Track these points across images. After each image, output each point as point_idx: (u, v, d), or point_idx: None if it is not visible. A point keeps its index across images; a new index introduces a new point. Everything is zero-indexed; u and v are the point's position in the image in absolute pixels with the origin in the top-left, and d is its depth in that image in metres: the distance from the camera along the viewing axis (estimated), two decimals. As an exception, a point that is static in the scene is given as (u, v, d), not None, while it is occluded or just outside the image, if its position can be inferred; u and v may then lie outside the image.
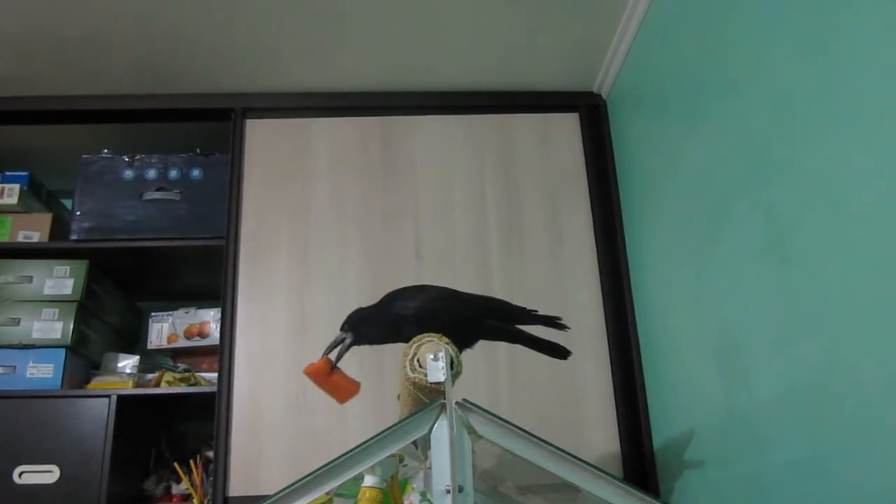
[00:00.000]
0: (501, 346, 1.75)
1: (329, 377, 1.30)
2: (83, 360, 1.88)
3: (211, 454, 1.78)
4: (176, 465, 1.83)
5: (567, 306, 1.81)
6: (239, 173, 1.90)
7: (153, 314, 2.11)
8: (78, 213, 1.89)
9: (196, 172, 1.96)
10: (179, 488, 1.89)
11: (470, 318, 1.42)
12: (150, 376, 1.89)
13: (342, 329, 1.34)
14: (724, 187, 1.31)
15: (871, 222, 0.91)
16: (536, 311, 1.50)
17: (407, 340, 1.41)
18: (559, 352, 1.55)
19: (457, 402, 1.04)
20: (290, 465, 1.65)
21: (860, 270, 0.93)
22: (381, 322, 1.37)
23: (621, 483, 1.00)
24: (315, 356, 1.74)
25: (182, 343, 2.05)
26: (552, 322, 1.52)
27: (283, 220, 1.87)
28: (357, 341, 1.34)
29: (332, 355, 1.31)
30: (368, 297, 1.46)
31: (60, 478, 1.64)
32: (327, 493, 1.04)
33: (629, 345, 1.80)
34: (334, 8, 1.68)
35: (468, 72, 1.94)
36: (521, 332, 1.50)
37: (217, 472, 1.64)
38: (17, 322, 1.80)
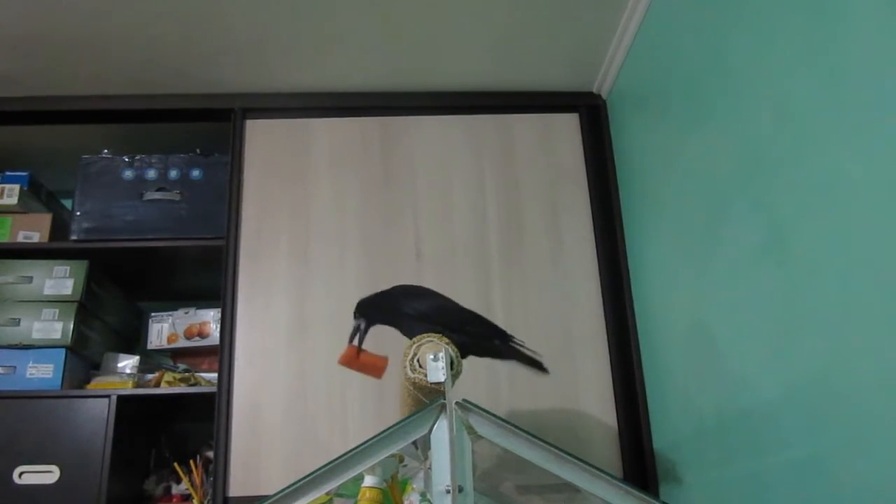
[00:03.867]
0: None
1: (359, 360, 1.42)
2: (83, 360, 1.88)
3: (211, 454, 1.78)
4: (176, 465, 1.83)
5: (567, 306, 1.82)
6: (239, 173, 1.90)
7: (153, 314, 2.11)
8: (78, 213, 1.89)
9: (196, 172, 1.96)
10: (179, 488, 1.89)
11: (472, 334, 1.48)
12: (150, 376, 1.89)
13: (355, 317, 1.42)
14: (724, 187, 1.31)
15: (871, 222, 0.90)
16: (523, 344, 1.57)
17: (405, 332, 1.42)
18: (541, 367, 1.60)
19: (457, 403, 1.04)
20: (290, 465, 1.65)
21: (860, 271, 0.93)
22: (387, 307, 1.43)
23: (621, 483, 1.00)
24: (315, 355, 1.75)
25: (182, 343, 2.05)
26: (535, 363, 1.58)
27: (284, 221, 1.86)
28: (371, 323, 1.42)
29: (355, 342, 1.40)
30: (368, 296, 1.48)
31: (60, 478, 1.64)
32: (327, 494, 1.04)
33: (629, 345, 1.80)
34: (335, 8, 1.67)
35: (468, 72, 1.94)
36: (513, 349, 1.56)
37: (217, 472, 1.64)
38: (17, 322, 1.79)
